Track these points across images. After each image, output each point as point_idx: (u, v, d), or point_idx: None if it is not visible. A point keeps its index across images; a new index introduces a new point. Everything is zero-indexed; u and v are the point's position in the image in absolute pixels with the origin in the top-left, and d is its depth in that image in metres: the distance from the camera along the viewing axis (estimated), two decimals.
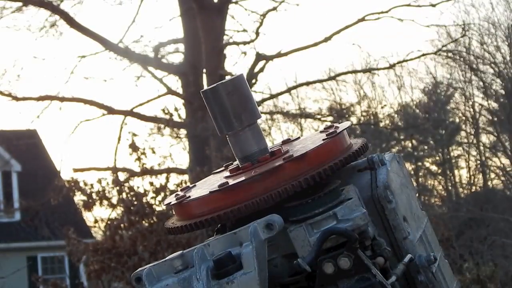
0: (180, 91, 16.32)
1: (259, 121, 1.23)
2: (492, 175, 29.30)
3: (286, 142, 1.31)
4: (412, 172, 25.58)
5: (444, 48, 20.38)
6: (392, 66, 18.34)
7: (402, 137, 27.32)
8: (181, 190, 1.26)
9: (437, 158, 28.61)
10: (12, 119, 42.89)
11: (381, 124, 23.21)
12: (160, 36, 31.30)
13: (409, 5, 16.72)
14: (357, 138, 1.27)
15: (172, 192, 10.65)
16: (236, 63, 24.48)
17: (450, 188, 27.84)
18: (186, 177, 12.93)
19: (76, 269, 16.60)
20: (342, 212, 1.10)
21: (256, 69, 15.85)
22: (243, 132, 1.20)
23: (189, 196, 1.19)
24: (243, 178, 1.14)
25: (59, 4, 16.11)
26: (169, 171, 12.88)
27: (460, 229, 18.07)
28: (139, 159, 11.67)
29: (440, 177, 28.46)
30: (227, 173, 1.23)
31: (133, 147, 11.70)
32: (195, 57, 15.60)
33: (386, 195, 1.19)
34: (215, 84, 1.19)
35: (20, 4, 16.22)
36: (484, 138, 29.24)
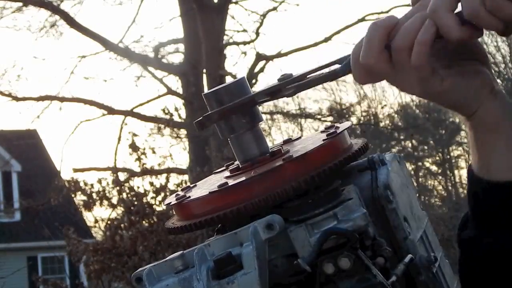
0: (180, 91, 16.34)
1: None
2: None
3: (287, 142, 1.31)
4: (412, 172, 25.59)
5: None
6: None
7: (402, 137, 27.35)
8: (181, 190, 1.26)
9: (437, 158, 28.63)
10: (12, 119, 42.96)
11: (381, 124, 23.23)
12: (160, 36, 31.36)
13: (409, 5, 16.72)
14: (357, 138, 1.27)
15: (172, 192, 10.66)
16: (236, 63, 24.56)
17: (450, 188, 27.86)
18: (186, 177, 12.95)
19: (76, 269, 16.61)
20: (342, 212, 1.11)
21: (256, 69, 15.87)
22: (244, 135, 1.20)
23: (189, 196, 1.19)
24: (243, 179, 1.14)
25: (59, 4, 16.12)
26: (169, 171, 12.89)
27: None
28: (139, 159, 11.69)
29: (440, 177, 28.49)
30: (227, 173, 1.23)
31: (133, 147, 11.72)
32: (195, 57, 15.61)
33: (387, 195, 1.19)
34: (217, 87, 1.19)
35: (20, 4, 16.24)
36: None
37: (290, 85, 1.11)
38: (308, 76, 1.10)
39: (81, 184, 11.66)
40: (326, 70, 1.08)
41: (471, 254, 0.98)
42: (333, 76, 1.07)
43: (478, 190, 0.96)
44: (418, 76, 0.90)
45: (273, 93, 1.14)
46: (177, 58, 17.97)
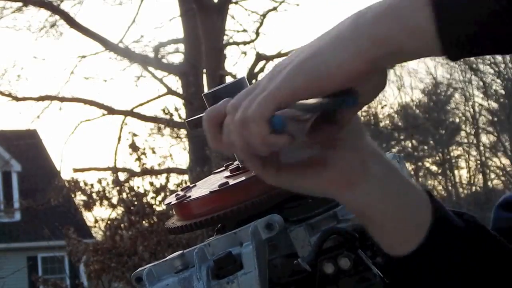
0: (180, 91, 16.34)
1: None
2: (492, 175, 29.34)
3: None
4: (412, 172, 25.59)
5: None
6: (392, 66, 18.38)
7: (402, 137, 27.35)
8: (181, 190, 1.26)
9: (437, 158, 28.63)
10: (12, 119, 42.99)
11: (381, 124, 23.23)
12: (160, 36, 31.37)
13: None
14: None
15: (172, 192, 10.67)
16: (236, 63, 24.62)
17: (450, 188, 27.87)
18: (186, 177, 12.95)
19: (76, 269, 16.62)
20: (342, 212, 1.11)
21: (256, 69, 15.87)
22: None
23: (189, 196, 1.19)
24: (243, 178, 1.14)
25: (59, 4, 16.12)
26: (169, 171, 12.90)
27: None
28: (139, 159, 11.70)
29: (440, 177, 28.49)
30: (227, 173, 1.23)
31: (133, 147, 11.73)
32: (195, 57, 15.61)
33: None
34: (216, 87, 1.19)
35: (20, 4, 16.24)
36: (484, 138, 29.29)
37: None
38: None
39: (81, 184, 11.67)
40: None
41: None
42: None
43: (383, 260, 0.92)
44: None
45: None
46: (177, 58, 17.99)
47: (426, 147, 28.78)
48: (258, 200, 1.08)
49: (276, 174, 0.83)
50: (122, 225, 11.02)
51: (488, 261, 0.88)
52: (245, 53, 16.56)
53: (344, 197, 0.85)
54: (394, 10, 0.71)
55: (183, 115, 14.59)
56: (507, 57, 26.41)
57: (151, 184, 11.46)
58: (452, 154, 28.86)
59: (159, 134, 15.40)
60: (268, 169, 0.83)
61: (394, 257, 0.88)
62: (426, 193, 0.88)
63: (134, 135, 11.93)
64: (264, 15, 16.83)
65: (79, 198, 11.94)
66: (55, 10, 16.04)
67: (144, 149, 11.87)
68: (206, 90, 14.58)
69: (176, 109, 14.18)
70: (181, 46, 16.98)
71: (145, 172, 11.68)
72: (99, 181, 11.65)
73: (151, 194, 11.33)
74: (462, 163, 29.46)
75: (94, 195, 11.51)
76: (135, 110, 16.27)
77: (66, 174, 25.47)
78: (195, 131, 13.79)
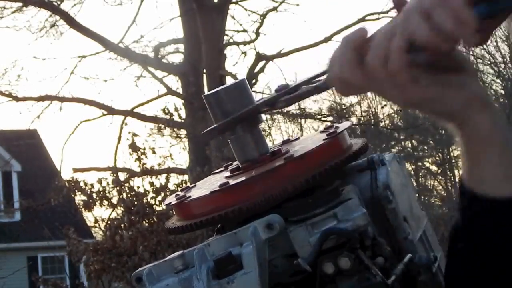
0: (180, 91, 16.32)
1: None
2: None
3: (286, 142, 1.31)
4: (412, 172, 25.58)
5: None
6: None
7: (402, 137, 27.33)
8: (181, 190, 1.27)
9: (437, 158, 28.63)
10: (12, 119, 42.98)
11: (381, 124, 23.19)
12: (160, 36, 31.34)
13: None
14: (357, 138, 1.27)
15: (172, 192, 10.66)
16: (236, 63, 24.53)
17: (450, 188, 27.85)
18: (186, 177, 12.94)
19: (76, 269, 16.60)
20: (342, 212, 1.11)
21: (256, 69, 15.85)
22: (245, 137, 1.20)
23: (189, 196, 1.19)
24: (243, 178, 1.14)
25: (59, 4, 16.11)
26: (169, 171, 12.90)
27: None
28: (139, 159, 11.70)
29: (440, 177, 28.48)
30: (227, 173, 1.23)
31: (133, 147, 11.72)
32: (195, 57, 15.60)
33: (386, 195, 1.19)
34: (217, 89, 1.19)
35: (20, 4, 16.23)
36: None
37: (283, 97, 1.11)
38: (302, 87, 1.10)
39: (81, 184, 11.66)
40: (321, 78, 1.08)
41: (461, 269, 0.92)
42: (318, 90, 1.06)
43: (468, 203, 0.92)
44: (398, 84, 0.87)
45: (272, 103, 1.14)
46: (177, 58, 17.96)
47: (426, 147, 28.77)
48: (258, 200, 1.08)
49: (422, 88, 0.89)
50: (122, 225, 11.01)
51: None
52: (245, 53, 16.55)
53: (478, 117, 0.92)
54: None
55: (183, 115, 14.58)
56: (507, 57, 26.42)
57: (151, 184, 11.46)
58: (452, 154, 28.86)
59: (159, 134, 15.39)
60: (418, 83, 0.89)
61: (490, 198, 0.90)
62: None
63: (134, 135, 11.93)
64: (264, 15, 16.82)
65: (79, 198, 11.94)
66: (55, 10, 16.03)
67: (144, 149, 11.87)
68: (206, 90, 14.58)
69: (176, 109, 14.17)
70: (181, 46, 16.96)
71: (145, 172, 11.67)
72: (99, 181, 11.64)
73: (151, 194, 11.33)
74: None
75: (94, 195, 11.51)
76: (135, 110, 16.25)
77: (66, 174, 25.45)
78: (194, 131, 13.67)
